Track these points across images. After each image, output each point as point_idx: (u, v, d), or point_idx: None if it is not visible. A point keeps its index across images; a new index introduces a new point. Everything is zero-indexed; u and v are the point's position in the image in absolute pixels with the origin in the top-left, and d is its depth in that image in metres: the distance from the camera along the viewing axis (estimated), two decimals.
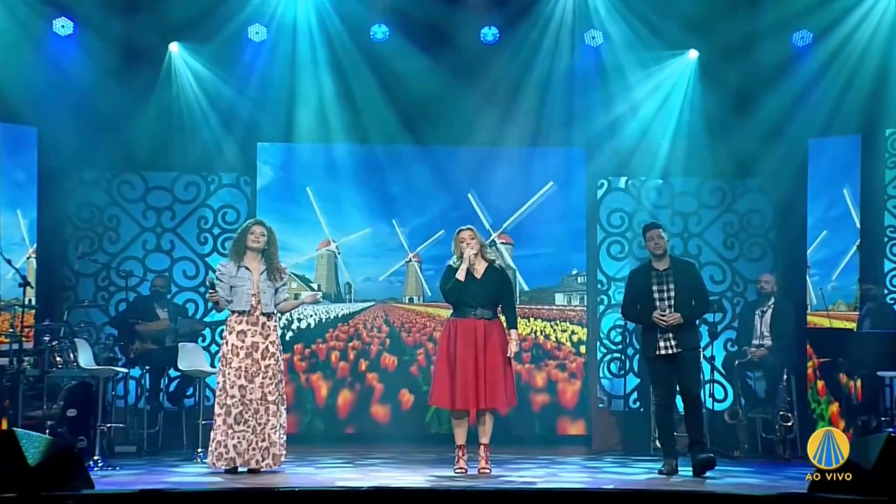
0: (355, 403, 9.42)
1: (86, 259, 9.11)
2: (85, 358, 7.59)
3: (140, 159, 9.27)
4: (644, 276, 6.98)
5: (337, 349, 9.54)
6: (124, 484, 6.09)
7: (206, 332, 9.25)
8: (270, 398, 6.61)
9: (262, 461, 6.57)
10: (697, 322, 7.09)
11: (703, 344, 7.60)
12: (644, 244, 7.08)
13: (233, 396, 6.58)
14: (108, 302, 9.27)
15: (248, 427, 6.56)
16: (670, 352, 6.80)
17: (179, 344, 8.44)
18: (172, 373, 8.82)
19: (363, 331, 9.57)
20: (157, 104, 9.15)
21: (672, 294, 6.83)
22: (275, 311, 6.74)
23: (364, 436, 9.13)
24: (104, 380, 7.58)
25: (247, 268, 6.71)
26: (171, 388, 8.95)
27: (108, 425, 7.84)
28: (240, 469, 6.60)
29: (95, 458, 7.06)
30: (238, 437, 6.57)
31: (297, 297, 8.03)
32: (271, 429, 6.60)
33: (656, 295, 6.87)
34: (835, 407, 8.51)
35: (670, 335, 6.79)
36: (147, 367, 8.72)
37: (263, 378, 6.61)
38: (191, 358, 8.36)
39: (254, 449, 6.55)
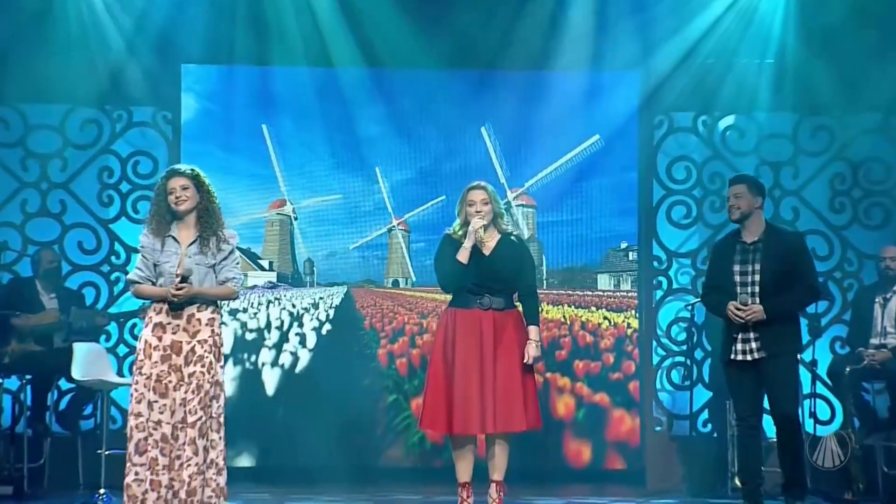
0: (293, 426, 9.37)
1: None
2: None
3: (16, 87, 9.19)
4: (726, 250, 6.93)
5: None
6: None
7: (112, 327, 9.22)
8: (191, 419, 6.33)
9: None
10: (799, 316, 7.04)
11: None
12: None
13: (138, 415, 6.39)
14: None
15: (146, 460, 6.35)
16: (749, 357, 6.74)
17: (74, 344, 8.38)
18: (64, 384, 8.86)
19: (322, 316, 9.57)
20: (39, 8, 9.01)
21: (757, 278, 6.73)
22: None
23: (299, 470, 9.12)
24: None
25: (174, 238, 6.55)
26: (62, 404, 9.00)
27: None
28: None
29: None
30: (134, 474, 6.35)
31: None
32: (194, 466, 6.32)
33: (737, 277, 6.80)
34: None
35: (752, 335, 6.74)
36: (28, 377, 8.69)
37: (186, 392, 6.38)
38: (90, 363, 8.31)
39: (146, 492, 6.31)
